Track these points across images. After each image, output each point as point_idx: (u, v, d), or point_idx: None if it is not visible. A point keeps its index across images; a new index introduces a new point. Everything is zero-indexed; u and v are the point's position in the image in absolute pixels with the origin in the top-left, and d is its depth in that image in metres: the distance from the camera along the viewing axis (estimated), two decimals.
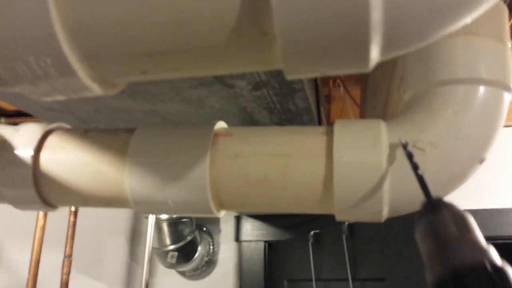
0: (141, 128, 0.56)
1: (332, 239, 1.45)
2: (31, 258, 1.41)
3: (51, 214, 1.52)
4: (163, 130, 0.55)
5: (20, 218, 1.65)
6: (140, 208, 0.55)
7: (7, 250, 1.79)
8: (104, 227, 2.09)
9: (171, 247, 1.89)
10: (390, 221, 1.20)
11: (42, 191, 0.57)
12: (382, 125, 0.50)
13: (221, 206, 0.54)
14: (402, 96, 0.54)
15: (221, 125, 0.56)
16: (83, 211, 1.80)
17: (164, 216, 1.88)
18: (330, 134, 0.51)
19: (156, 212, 0.55)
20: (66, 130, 0.60)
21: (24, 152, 0.56)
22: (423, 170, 0.47)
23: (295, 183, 0.49)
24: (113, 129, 0.58)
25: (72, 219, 1.63)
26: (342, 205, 0.49)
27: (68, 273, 1.58)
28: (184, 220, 1.92)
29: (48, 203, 0.59)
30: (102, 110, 0.77)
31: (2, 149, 0.57)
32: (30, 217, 1.50)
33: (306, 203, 0.51)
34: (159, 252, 1.91)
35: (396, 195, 0.48)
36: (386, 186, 0.47)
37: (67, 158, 0.56)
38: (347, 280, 1.29)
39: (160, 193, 0.52)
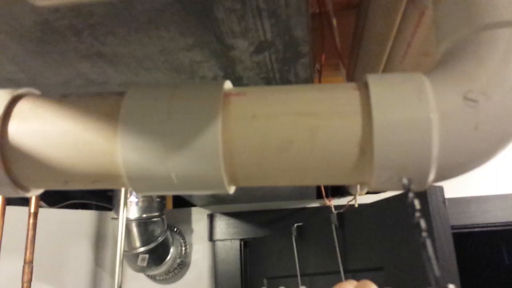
0: (134, 88, 0.47)
1: (319, 231, 1.39)
2: None
3: (8, 215, 1.39)
4: (161, 90, 0.47)
5: None
6: (136, 185, 0.46)
7: None
8: (67, 230, 1.95)
9: (142, 249, 1.78)
10: (382, 206, 1.16)
11: (12, 169, 0.47)
12: (423, 77, 0.44)
13: (234, 179, 0.46)
14: (437, 47, 0.49)
15: (228, 85, 0.48)
16: (43, 213, 1.67)
17: (132, 216, 1.77)
18: (364, 89, 0.44)
19: (156, 189, 0.46)
20: (39, 96, 0.50)
21: None
22: (476, 124, 0.41)
23: (326, 146, 0.42)
24: (98, 93, 0.49)
25: (32, 221, 1.50)
26: (382, 172, 0.42)
27: (30, 281, 1.45)
28: (154, 219, 1.81)
29: (19, 185, 0.49)
30: (74, 82, 0.68)
31: None
32: None
33: (339, 171, 0.44)
34: (128, 255, 1.80)
35: (445, 158, 0.42)
36: (435, 147, 0.41)
37: (42, 128, 0.46)
38: (338, 272, 1.23)
39: (161, 165, 0.44)
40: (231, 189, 0.48)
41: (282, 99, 0.44)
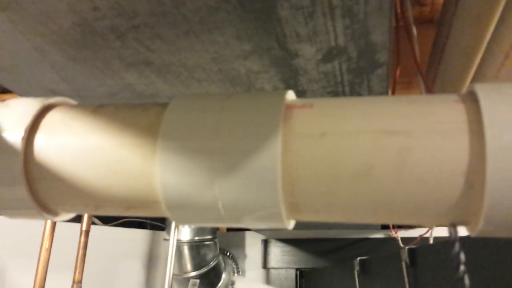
0: (179, 98, 0.40)
1: (385, 267, 1.26)
2: (35, 283, 1.25)
3: (59, 234, 1.37)
4: (210, 100, 0.39)
5: (25, 238, 1.51)
6: (176, 214, 0.39)
7: (11, 274, 1.64)
8: (118, 250, 1.93)
9: (193, 273, 1.72)
10: (468, 243, 1.01)
11: (37, 189, 0.41)
12: None
13: (295, 211, 0.37)
14: None
15: (291, 95, 0.40)
16: (95, 231, 1.65)
17: (184, 238, 1.72)
18: (470, 102, 0.34)
19: (200, 220, 0.39)
20: (73, 106, 0.44)
21: (13, 133, 0.40)
22: None
23: (418, 175, 0.33)
24: (138, 104, 0.43)
25: (83, 239, 1.48)
26: (495, 212, 0.32)
27: None
28: (207, 243, 1.75)
29: (45, 208, 0.43)
30: (120, 94, 0.62)
31: None
32: (36, 237, 1.35)
33: (433, 209, 0.34)
34: (179, 279, 1.75)
35: None
36: None
37: (72, 142, 0.40)
38: None
39: (206, 191, 0.36)
40: (290, 224, 0.39)
41: (360, 113, 0.35)
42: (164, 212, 0.40)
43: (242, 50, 0.50)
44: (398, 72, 0.81)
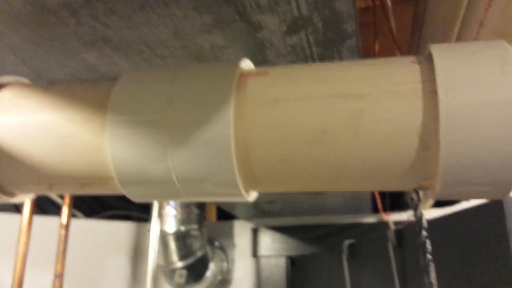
0: (130, 72, 0.40)
1: (373, 250, 1.27)
2: (13, 278, 1.24)
3: (38, 228, 1.37)
4: (162, 73, 0.39)
5: (5, 232, 1.50)
6: (130, 189, 0.39)
7: None
8: (102, 243, 1.92)
9: (179, 264, 1.72)
10: (450, 222, 1.02)
11: None
12: (507, 45, 0.33)
13: (252, 181, 0.37)
14: None
15: (247, 64, 0.40)
16: (77, 224, 1.65)
17: (170, 229, 1.71)
18: (426, 63, 0.34)
19: (154, 195, 0.39)
20: (24, 85, 0.44)
21: None
22: None
23: (373, 138, 0.33)
24: (91, 79, 0.42)
25: (62, 232, 1.47)
26: (451, 172, 0.32)
27: None
28: (193, 233, 1.75)
29: (0, 188, 0.43)
30: (83, 75, 0.62)
31: None
32: (14, 232, 1.35)
33: (390, 171, 0.34)
34: (165, 270, 1.75)
35: None
36: None
37: (23, 120, 0.40)
38: None
39: (159, 163, 0.36)
40: (250, 196, 0.39)
41: (314, 78, 0.35)
42: (118, 188, 0.40)
43: (202, 23, 0.49)
44: (377, 47, 0.81)
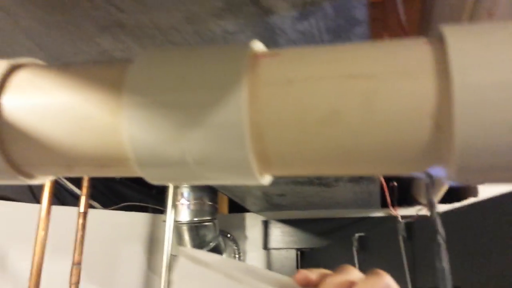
0: (145, 52, 0.39)
1: (383, 243, 1.26)
2: (32, 265, 1.26)
3: (57, 218, 1.38)
4: (175, 53, 0.38)
5: (22, 222, 1.51)
6: (148, 171, 0.38)
7: (12, 257, 1.65)
8: (118, 233, 1.94)
9: None
10: (461, 214, 1.01)
11: (9, 151, 0.41)
12: None
13: (266, 164, 0.37)
14: None
15: (258, 46, 0.39)
16: (95, 214, 1.66)
17: (184, 219, 1.72)
18: (438, 43, 0.33)
19: (172, 177, 0.38)
20: (41, 66, 0.44)
21: None
22: None
23: (385, 119, 0.32)
24: (105, 61, 0.42)
25: (81, 221, 1.49)
26: (467, 154, 0.31)
27: (77, 283, 1.43)
28: (206, 224, 1.76)
29: (19, 170, 0.43)
30: (97, 59, 0.62)
31: None
32: (33, 220, 1.36)
33: (402, 153, 0.33)
34: None
35: None
36: None
37: (39, 101, 0.40)
38: None
39: (173, 145, 0.36)
40: (264, 179, 0.38)
41: (326, 59, 0.35)
42: (136, 171, 0.39)
43: (213, 7, 0.49)
44: (386, 37, 0.80)
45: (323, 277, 0.44)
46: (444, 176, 0.35)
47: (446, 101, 0.31)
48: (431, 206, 0.39)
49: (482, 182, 0.37)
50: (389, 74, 0.32)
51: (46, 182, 0.47)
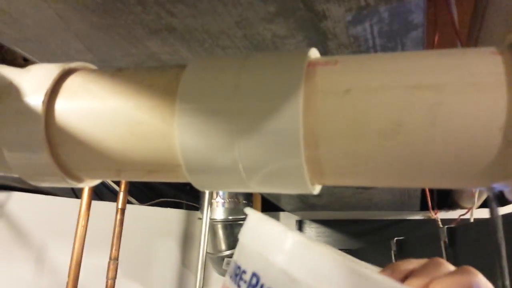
0: (198, 59, 0.39)
1: (423, 247, 1.22)
2: (72, 259, 1.29)
3: (95, 213, 1.41)
4: (230, 60, 0.38)
5: (62, 217, 1.55)
6: (197, 178, 0.38)
7: (52, 251, 1.70)
8: (154, 228, 1.96)
9: (227, 252, 1.73)
10: (504, 222, 0.97)
11: (59, 154, 0.42)
12: None
13: (319, 174, 0.36)
14: None
15: (314, 53, 0.38)
16: (132, 210, 1.69)
17: (219, 217, 1.73)
18: (508, 53, 0.31)
19: (220, 185, 0.38)
20: (93, 70, 0.44)
21: (33, 98, 0.40)
22: None
23: (451, 132, 0.30)
24: (158, 66, 0.42)
25: (119, 217, 1.51)
26: None
27: (114, 277, 1.46)
28: (241, 222, 1.76)
29: (68, 173, 0.43)
30: (145, 64, 0.62)
31: (6, 96, 0.42)
32: (74, 216, 1.39)
33: (468, 168, 0.31)
34: (213, 257, 1.76)
35: None
36: None
37: (91, 105, 0.40)
38: None
39: (226, 153, 0.35)
40: (315, 189, 0.37)
41: (388, 68, 0.33)
42: (186, 177, 0.39)
43: (266, 12, 0.48)
44: (436, 38, 0.77)
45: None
46: (509, 192, 0.33)
47: None
48: (492, 215, 0.38)
49: None
50: (456, 86, 0.30)
51: (93, 185, 0.47)
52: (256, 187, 0.37)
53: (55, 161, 0.42)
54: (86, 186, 0.46)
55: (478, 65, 0.31)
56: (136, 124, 0.38)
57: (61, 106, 0.41)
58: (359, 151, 0.33)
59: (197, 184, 0.39)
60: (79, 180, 0.45)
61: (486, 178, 0.33)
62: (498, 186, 0.34)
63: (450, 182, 0.34)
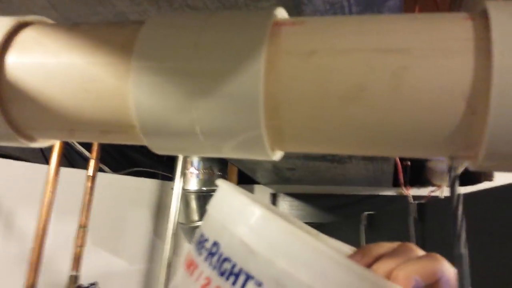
0: (158, 15, 0.37)
1: (393, 222, 1.24)
2: (38, 226, 1.27)
3: (66, 178, 1.38)
4: (190, 18, 0.36)
5: (30, 183, 1.52)
6: (152, 140, 0.36)
7: (20, 217, 1.67)
8: (126, 197, 1.95)
9: (199, 223, 1.73)
10: (476, 199, 0.99)
11: (10, 111, 0.39)
12: None
13: (279, 139, 0.34)
14: None
15: (282, 13, 0.36)
16: (104, 178, 1.66)
17: (192, 188, 1.72)
18: (480, 19, 0.30)
19: (178, 147, 0.36)
20: (49, 24, 0.41)
21: None
22: None
23: (415, 98, 0.29)
24: (117, 22, 0.40)
25: (89, 184, 1.49)
26: (498, 142, 0.29)
27: (82, 245, 1.44)
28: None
29: (20, 132, 0.41)
30: (108, 19, 0.59)
31: None
32: (41, 182, 1.36)
33: (430, 136, 0.31)
34: (186, 228, 1.76)
35: None
36: None
37: (44, 60, 0.38)
38: None
39: (183, 114, 0.34)
40: (275, 155, 0.36)
41: (355, 30, 0.32)
42: (141, 139, 0.37)
43: None
44: (417, 10, 0.76)
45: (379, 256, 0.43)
46: (471, 162, 0.33)
47: (484, 83, 0.28)
48: (452, 189, 0.37)
49: (508, 170, 0.34)
50: (423, 50, 0.29)
51: (47, 145, 0.45)
52: (214, 152, 0.36)
53: (5, 118, 0.39)
54: (39, 146, 0.44)
55: (447, 30, 0.30)
56: (89, 81, 0.36)
57: (12, 60, 0.38)
58: (320, 115, 0.32)
59: (152, 147, 0.37)
60: (32, 139, 0.43)
61: (449, 147, 0.32)
62: (458, 155, 0.33)
63: (412, 151, 0.33)
